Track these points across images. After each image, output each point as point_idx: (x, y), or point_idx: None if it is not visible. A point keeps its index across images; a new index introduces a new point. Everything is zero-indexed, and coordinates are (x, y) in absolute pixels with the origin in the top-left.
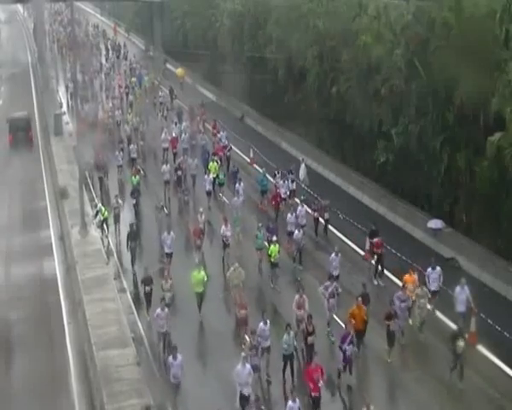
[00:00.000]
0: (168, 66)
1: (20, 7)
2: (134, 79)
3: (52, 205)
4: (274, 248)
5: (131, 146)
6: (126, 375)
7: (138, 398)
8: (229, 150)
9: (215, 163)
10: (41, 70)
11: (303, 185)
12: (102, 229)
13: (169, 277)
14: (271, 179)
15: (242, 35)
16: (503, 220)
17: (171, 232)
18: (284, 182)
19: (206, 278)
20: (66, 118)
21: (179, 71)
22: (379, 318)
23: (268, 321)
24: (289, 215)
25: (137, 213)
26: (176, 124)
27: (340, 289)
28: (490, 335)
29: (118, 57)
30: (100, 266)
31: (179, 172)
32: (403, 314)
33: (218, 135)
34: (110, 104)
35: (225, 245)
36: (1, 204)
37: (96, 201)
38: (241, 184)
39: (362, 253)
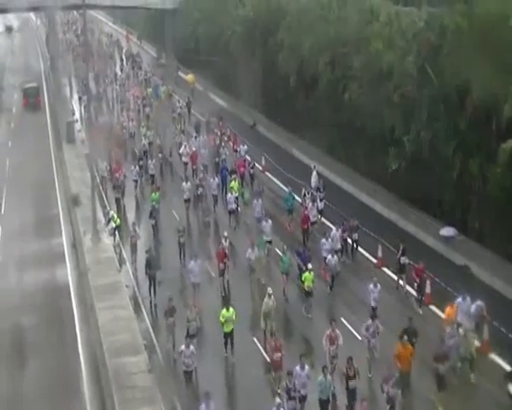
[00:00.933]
0: (180, 73)
1: (32, 15)
2: (150, 90)
3: (64, 212)
4: (308, 276)
5: (149, 162)
6: (138, 382)
7: (150, 405)
8: (252, 167)
9: (236, 182)
10: (53, 78)
11: (315, 193)
12: (114, 236)
13: (194, 305)
14: (298, 198)
15: (254, 42)
16: None
17: (198, 260)
18: (314, 204)
19: (235, 316)
20: (78, 125)
21: (189, 77)
22: (424, 354)
23: (306, 366)
24: (323, 240)
25: (156, 237)
26: (195, 138)
27: (381, 328)
28: (503, 342)
29: (133, 68)
30: (112, 274)
31: (200, 190)
32: (452, 353)
33: (239, 149)
34: (126, 117)
35: (252, 270)
36: (14, 211)
37: (108, 208)
38: (259, 200)
39: (373, 260)
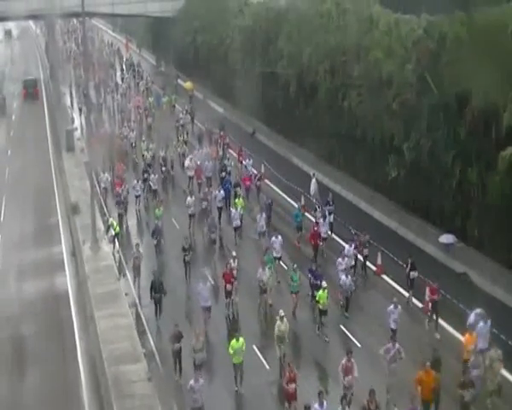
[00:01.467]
0: (179, 81)
1: (32, 23)
2: (151, 100)
3: (64, 220)
4: (323, 294)
5: (152, 176)
6: (138, 390)
7: None
8: (259, 179)
9: (240, 199)
10: (53, 86)
11: (314, 200)
12: (114, 244)
13: (201, 334)
14: (307, 214)
15: (253, 50)
16: None
17: (207, 282)
18: (325, 220)
19: (244, 347)
20: (77, 134)
21: (188, 84)
22: (445, 380)
23: (325, 403)
24: (340, 260)
25: (160, 256)
26: (199, 150)
27: (402, 353)
28: (503, 350)
29: (134, 77)
30: (111, 282)
31: (204, 204)
32: (477, 382)
33: (244, 162)
34: (127, 127)
35: (262, 291)
36: (13, 220)
37: (108, 216)
38: (263, 214)
39: (372, 268)
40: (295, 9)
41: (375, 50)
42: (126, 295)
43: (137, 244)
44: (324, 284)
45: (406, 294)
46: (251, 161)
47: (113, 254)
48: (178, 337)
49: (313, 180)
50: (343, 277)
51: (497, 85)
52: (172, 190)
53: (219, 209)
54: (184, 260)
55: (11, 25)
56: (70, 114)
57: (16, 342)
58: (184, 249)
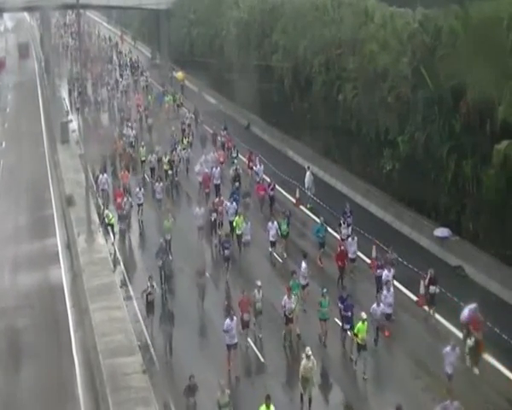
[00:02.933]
0: (174, 74)
1: (27, 15)
2: (151, 98)
3: (58, 213)
4: (362, 327)
5: (156, 184)
6: (133, 383)
7: (144, 406)
8: (272, 189)
9: (241, 218)
10: (48, 78)
11: (309, 193)
12: (109, 236)
13: (226, 386)
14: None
15: (249, 43)
16: (510, 228)
17: (234, 317)
18: (353, 239)
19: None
20: (72, 126)
21: (179, 74)
22: None
23: None
24: (385, 292)
25: (166, 281)
26: (205, 155)
27: None
28: (497, 343)
29: (132, 73)
30: (106, 274)
31: (214, 216)
32: None
33: (255, 168)
34: (130, 129)
35: (288, 320)
36: (7, 212)
37: (103, 207)
38: (275, 223)
39: (367, 261)
40: (290, 2)
41: (370, 44)
42: (121, 287)
43: (150, 277)
44: (364, 315)
45: (403, 288)
46: (262, 166)
47: (108, 247)
48: (193, 390)
49: (308, 173)
50: (374, 305)
51: (492, 79)
52: (177, 197)
53: (232, 223)
54: (198, 284)
55: (6, 17)
56: (65, 107)
57: (10, 335)
58: (198, 273)
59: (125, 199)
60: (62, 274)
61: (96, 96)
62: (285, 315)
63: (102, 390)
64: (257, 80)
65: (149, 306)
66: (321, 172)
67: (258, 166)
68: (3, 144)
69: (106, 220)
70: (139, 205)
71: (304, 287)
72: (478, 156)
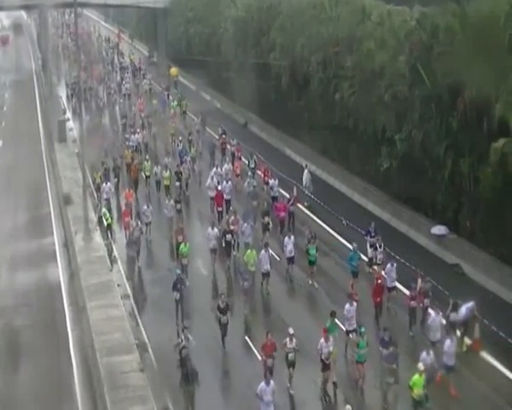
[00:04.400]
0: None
1: (24, 14)
2: (155, 102)
3: (56, 211)
4: (419, 380)
5: (167, 202)
6: (130, 381)
7: (142, 404)
8: (292, 204)
9: (253, 251)
10: (45, 77)
11: (306, 192)
12: (106, 234)
13: None
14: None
15: (246, 41)
16: (508, 226)
17: (271, 381)
18: (393, 265)
19: None
20: (69, 124)
21: (173, 70)
22: None
23: None
24: (448, 342)
25: (183, 317)
26: (217, 167)
27: None
28: (494, 341)
29: (134, 76)
30: (104, 273)
31: (228, 237)
32: None
33: (270, 182)
34: (134, 135)
35: (325, 367)
36: (4, 211)
37: (100, 205)
38: (291, 237)
39: (365, 258)
40: (288, 0)
41: (367, 42)
42: (119, 286)
43: (185, 329)
44: (421, 366)
45: (400, 286)
46: (276, 181)
47: (106, 245)
48: (225, 310)
49: (305, 171)
50: (423, 354)
51: (489, 77)
52: (188, 215)
53: (247, 245)
54: (220, 321)
55: (3, 15)
56: (62, 105)
57: (8, 334)
58: (220, 309)
59: (135, 223)
60: (60, 273)
61: (98, 100)
62: (321, 360)
63: (100, 389)
64: (254, 78)
65: (183, 361)
66: (318, 171)
67: (272, 180)
68: (0, 143)
69: (103, 219)
70: (147, 224)
71: (348, 332)
72: (475, 154)
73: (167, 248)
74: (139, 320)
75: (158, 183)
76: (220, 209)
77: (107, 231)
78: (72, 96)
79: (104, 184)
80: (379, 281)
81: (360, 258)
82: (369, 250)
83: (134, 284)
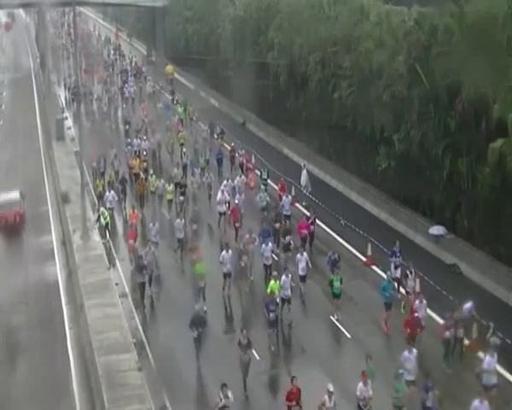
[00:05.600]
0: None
1: (22, 12)
2: (160, 106)
3: (54, 210)
4: None
5: (178, 221)
6: (128, 380)
7: (140, 403)
8: (312, 223)
9: (276, 282)
10: (43, 75)
11: (304, 191)
12: (105, 233)
13: None
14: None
15: (244, 41)
16: (505, 226)
17: None
18: (421, 302)
19: None
20: (68, 123)
21: (169, 68)
22: None
23: None
24: (488, 359)
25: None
26: (228, 180)
27: None
28: (404, 273)
29: (137, 79)
30: (102, 272)
31: (244, 259)
32: None
33: (283, 199)
34: (141, 141)
35: None
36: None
37: (98, 205)
38: (304, 254)
39: (362, 258)
40: (286, 0)
41: (365, 42)
42: (117, 284)
43: (224, 386)
44: None
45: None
46: (289, 197)
47: (104, 244)
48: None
49: (304, 171)
50: (475, 403)
51: (487, 77)
52: (198, 232)
53: (268, 269)
54: (241, 360)
55: (1, 13)
56: (60, 104)
57: (5, 332)
58: (242, 346)
59: (147, 248)
60: (57, 271)
61: (99, 104)
62: (359, 407)
63: (97, 387)
64: (252, 78)
65: None
66: (316, 170)
67: (285, 196)
68: None
69: (101, 218)
70: (153, 243)
71: (409, 383)
72: (473, 154)
73: (177, 271)
74: (153, 366)
75: (160, 197)
76: (238, 225)
77: (105, 229)
78: (73, 101)
79: (107, 193)
80: (415, 314)
81: (395, 288)
82: (394, 271)
83: (144, 318)
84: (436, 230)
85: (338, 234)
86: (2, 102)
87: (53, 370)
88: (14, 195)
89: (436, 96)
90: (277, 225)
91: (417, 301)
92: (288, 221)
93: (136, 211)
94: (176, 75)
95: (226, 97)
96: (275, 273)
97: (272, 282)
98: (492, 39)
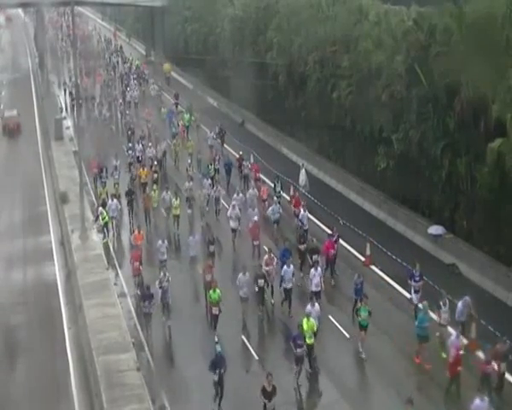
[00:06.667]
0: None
1: (20, 11)
2: (164, 111)
3: (52, 210)
4: None
5: (191, 238)
6: (126, 380)
7: (138, 403)
8: (336, 241)
9: (311, 320)
10: (41, 75)
11: (303, 191)
12: (103, 233)
13: None
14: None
15: (243, 40)
16: (504, 226)
17: None
18: (458, 337)
19: None
20: (66, 123)
21: (166, 66)
22: None
23: None
24: None
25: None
26: (238, 193)
27: None
28: (490, 341)
29: (140, 83)
30: (100, 271)
31: (260, 283)
32: None
33: (300, 214)
34: (149, 149)
35: None
36: (1, 210)
37: (97, 205)
38: (318, 269)
39: (361, 258)
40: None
41: (364, 41)
42: (115, 284)
43: None
44: None
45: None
46: (306, 212)
47: (103, 244)
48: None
49: (302, 171)
50: (477, 401)
51: (486, 77)
52: (210, 249)
53: (288, 292)
54: (265, 408)
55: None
56: (59, 104)
57: (4, 332)
58: (266, 393)
59: (161, 274)
60: (56, 271)
61: (101, 109)
62: None
63: (96, 387)
64: (251, 77)
65: None
66: (315, 170)
67: (302, 210)
68: None
69: (100, 218)
70: (161, 262)
71: None
72: (472, 154)
73: (191, 294)
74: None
75: (168, 210)
76: (257, 243)
77: (103, 229)
78: (73, 107)
79: (110, 201)
80: (457, 351)
81: (430, 319)
82: (414, 296)
83: (151, 349)
84: (435, 229)
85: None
86: (0, 101)
87: (52, 370)
88: (14, 112)
89: (435, 96)
90: (302, 246)
91: (453, 337)
92: (314, 239)
93: (141, 232)
94: (175, 75)
95: (225, 97)
96: (308, 309)
97: (305, 320)
98: (491, 39)
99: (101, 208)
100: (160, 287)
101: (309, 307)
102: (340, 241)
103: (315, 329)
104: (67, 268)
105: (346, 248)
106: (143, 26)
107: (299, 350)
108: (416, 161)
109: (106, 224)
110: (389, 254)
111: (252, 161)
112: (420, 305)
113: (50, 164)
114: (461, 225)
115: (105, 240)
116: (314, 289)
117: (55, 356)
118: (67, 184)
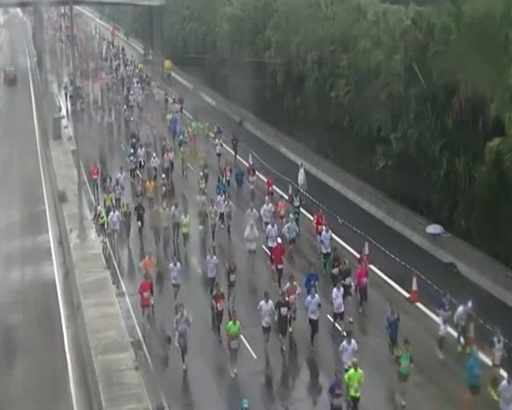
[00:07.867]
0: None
1: (19, 11)
2: (170, 117)
3: (51, 209)
4: None
5: (208, 258)
6: (125, 379)
7: (137, 402)
8: (366, 264)
9: (359, 372)
10: (40, 74)
11: (302, 190)
12: (102, 233)
13: None
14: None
15: (241, 39)
16: (502, 225)
17: None
18: (510, 384)
19: None
20: (64, 122)
21: (166, 63)
22: None
23: None
24: None
25: None
26: (252, 209)
27: None
28: (488, 339)
29: (143, 88)
30: (99, 271)
31: (284, 311)
32: None
33: (322, 234)
34: (157, 159)
35: None
36: (0, 209)
37: (95, 204)
38: (341, 289)
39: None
40: None
41: (363, 40)
42: (113, 284)
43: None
44: None
45: (395, 285)
46: (329, 232)
47: (101, 243)
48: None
49: (301, 170)
50: (344, 343)
51: (484, 76)
52: (230, 279)
53: (314, 324)
54: None
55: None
56: (57, 103)
57: (2, 331)
58: None
59: (178, 314)
60: (55, 270)
61: (103, 114)
62: None
63: (95, 387)
64: (250, 76)
65: None
66: (313, 169)
67: (324, 230)
68: None
69: (98, 217)
70: (174, 286)
71: None
72: (470, 153)
73: (206, 323)
74: None
75: (186, 236)
76: (281, 267)
77: (101, 228)
78: (73, 112)
79: (112, 213)
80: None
81: (480, 363)
82: (442, 328)
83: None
84: (433, 228)
85: (335, 233)
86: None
87: (50, 369)
88: (13, 67)
89: (433, 95)
90: (335, 270)
91: (504, 382)
92: (347, 260)
93: (152, 258)
94: (173, 74)
95: (223, 96)
96: (354, 360)
97: (355, 372)
98: (490, 38)
99: (99, 207)
100: (177, 328)
101: (344, 343)
102: (338, 239)
103: (361, 380)
104: (66, 267)
105: (344, 247)
106: (142, 25)
107: (336, 401)
108: (415, 161)
109: (103, 224)
110: (387, 253)
111: (250, 161)
112: (469, 349)
113: (49, 163)
114: (459, 225)
115: (103, 240)
116: (336, 310)
117: (54, 355)
118: (66, 183)
